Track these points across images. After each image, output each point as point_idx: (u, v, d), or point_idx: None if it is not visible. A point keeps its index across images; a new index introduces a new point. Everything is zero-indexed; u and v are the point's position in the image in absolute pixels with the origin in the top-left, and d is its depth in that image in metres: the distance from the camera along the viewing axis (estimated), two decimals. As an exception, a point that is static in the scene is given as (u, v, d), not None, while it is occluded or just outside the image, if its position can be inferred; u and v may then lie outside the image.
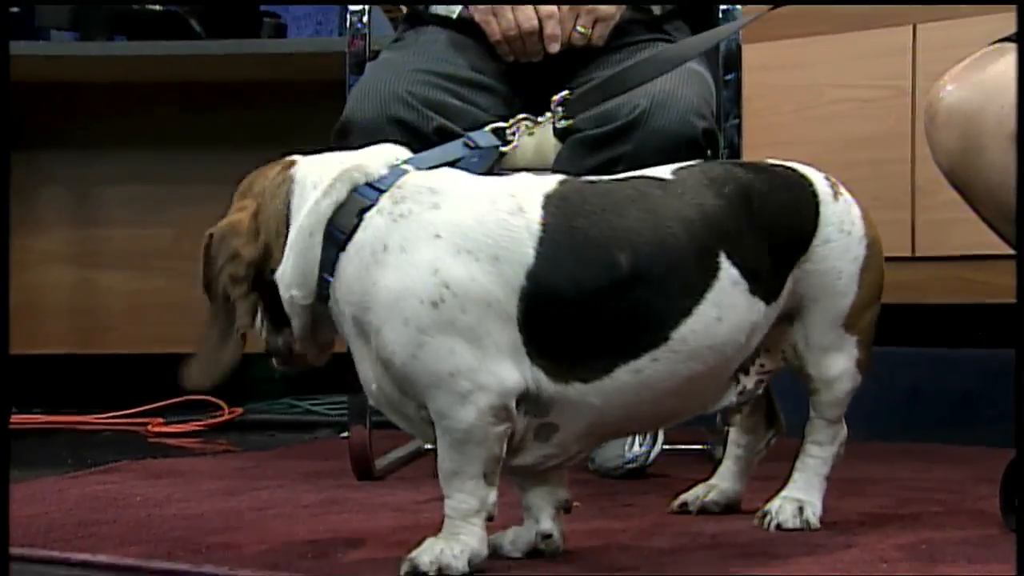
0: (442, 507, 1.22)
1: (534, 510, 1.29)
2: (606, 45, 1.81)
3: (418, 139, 1.67)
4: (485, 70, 1.81)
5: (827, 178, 1.39)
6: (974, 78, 1.59)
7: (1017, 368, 1.28)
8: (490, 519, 1.21)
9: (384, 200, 1.21)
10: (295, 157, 1.31)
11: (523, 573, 1.22)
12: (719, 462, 1.56)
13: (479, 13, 1.78)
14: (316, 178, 1.24)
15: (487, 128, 1.38)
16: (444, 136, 1.69)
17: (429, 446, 2.14)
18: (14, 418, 2.58)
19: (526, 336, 1.17)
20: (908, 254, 2.67)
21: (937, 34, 2.52)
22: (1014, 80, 1.54)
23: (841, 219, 1.35)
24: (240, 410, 2.73)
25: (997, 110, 1.55)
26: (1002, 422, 2.42)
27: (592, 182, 1.27)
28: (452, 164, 1.30)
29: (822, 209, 1.35)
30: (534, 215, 1.19)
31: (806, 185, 1.36)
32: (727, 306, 1.23)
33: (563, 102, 1.45)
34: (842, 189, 1.39)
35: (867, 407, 2.69)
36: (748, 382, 1.36)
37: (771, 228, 1.29)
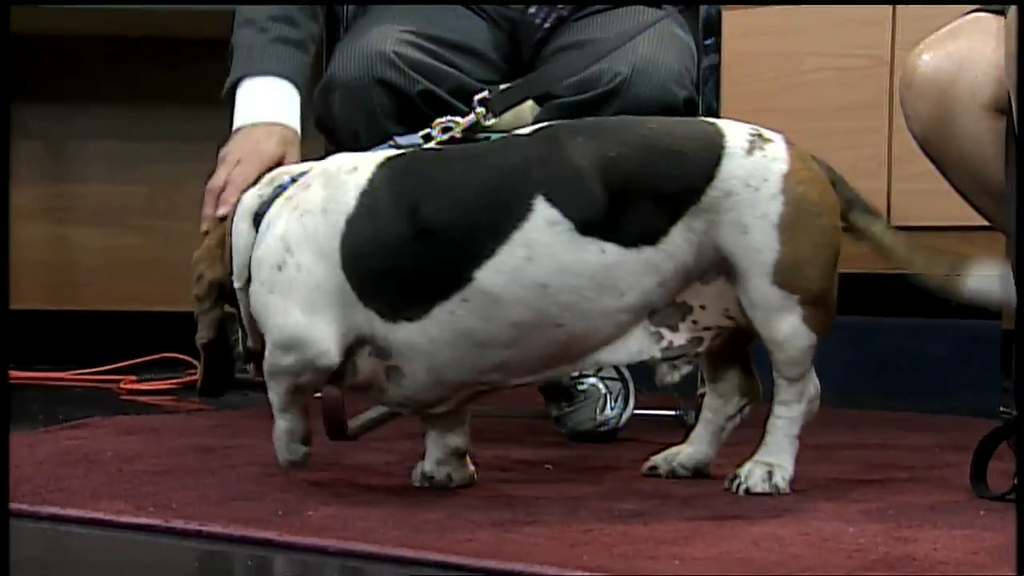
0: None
1: (426, 451, 1.46)
2: (587, 7, 1.80)
3: (402, 101, 1.66)
4: (469, 33, 1.79)
5: (754, 135, 1.38)
6: (949, 47, 1.60)
7: (1018, 359, 1.29)
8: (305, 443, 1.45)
9: (288, 189, 1.40)
10: None
11: (490, 532, 1.22)
12: (691, 427, 1.57)
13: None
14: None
15: (420, 134, 1.51)
16: (428, 100, 1.68)
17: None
18: (-15, 373, 2.56)
19: (349, 278, 1.33)
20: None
21: (916, 5, 2.52)
22: (988, 49, 1.55)
23: (749, 173, 1.35)
24: (213, 369, 2.72)
25: (971, 79, 1.56)
26: (974, 391, 2.45)
27: (446, 148, 1.44)
28: None
29: (725, 162, 1.35)
30: (364, 174, 1.36)
31: (711, 139, 1.37)
32: (540, 245, 1.30)
33: (483, 101, 1.53)
34: (770, 147, 1.37)
35: (840, 375, 2.72)
36: (677, 338, 1.39)
37: (641, 176, 1.33)
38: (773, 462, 1.42)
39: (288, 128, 1.62)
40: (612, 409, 1.84)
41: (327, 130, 1.76)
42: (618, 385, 1.86)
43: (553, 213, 1.30)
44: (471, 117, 1.52)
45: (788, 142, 1.40)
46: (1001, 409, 1.33)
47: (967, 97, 1.58)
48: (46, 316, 3.07)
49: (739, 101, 2.51)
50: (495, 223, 1.30)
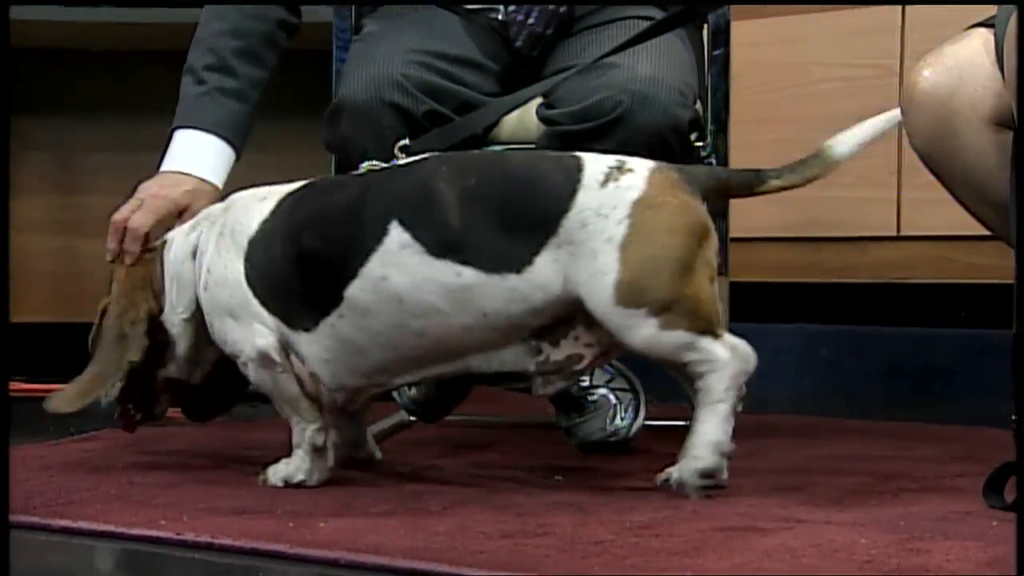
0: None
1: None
2: (592, 21, 1.80)
3: (410, 121, 1.66)
4: (472, 47, 1.79)
5: (614, 167, 1.45)
6: (948, 62, 1.60)
7: (1016, 359, 1.29)
8: (317, 449, 1.55)
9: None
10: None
11: (501, 544, 1.22)
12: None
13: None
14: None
15: (364, 165, 1.58)
16: (433, 119, 1.68)
17: (413, 418, 2.15)
18: (-5, 385, 2.57)
19: (252, 292, 1.52)
20: (893, 233, 2.69)
21: (925, 13, 2.53)
22: (988, 63, 1.55)
23: (601, 204, 1.43)
24: (223, 380, 2.72)
25: (971, 93, 1.56)
26: (981, 400, 2.44)
27: (340, 178, 1.60)
28: None
29: (580, 194, 1.44)
30: (271, 203, 1.54)
31: (569, 172, 1.45)
32: (394, 266, 1.44)
33: (403, 148, 1.62)
34: (626, 178, 1.44)
35: (848, 385, 2.72)
36: (555, 353, 1.48)
37: (498, 206, 1.44)
38: (694, 443, 1.44)
39: (201, 180, 1.75)
40: (623, 420, 1.84)
41: (336, 150, 1.76)
42: (629, 396, 1.86)
43: (405, 237, 1.44)
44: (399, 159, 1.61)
45: (657, 171, 1.46)
46: (1013, 418, 1.32)
47: (967, 111, 1.58)
48: (55, 328, 3.07)
49: (748, 111, 2.51)
50: (359, 246, 1.46)
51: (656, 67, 1.65)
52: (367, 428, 1.75)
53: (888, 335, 2.70)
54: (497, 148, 1.80)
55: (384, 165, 1.57)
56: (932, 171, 1.66)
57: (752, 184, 1.50)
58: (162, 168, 1.78)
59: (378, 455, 1.74)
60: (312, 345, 1.52)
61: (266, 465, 1.57)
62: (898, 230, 2.68)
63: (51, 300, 3.09)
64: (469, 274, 1.43)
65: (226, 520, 1.34)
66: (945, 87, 1.58)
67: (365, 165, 1.58)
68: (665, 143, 1.61)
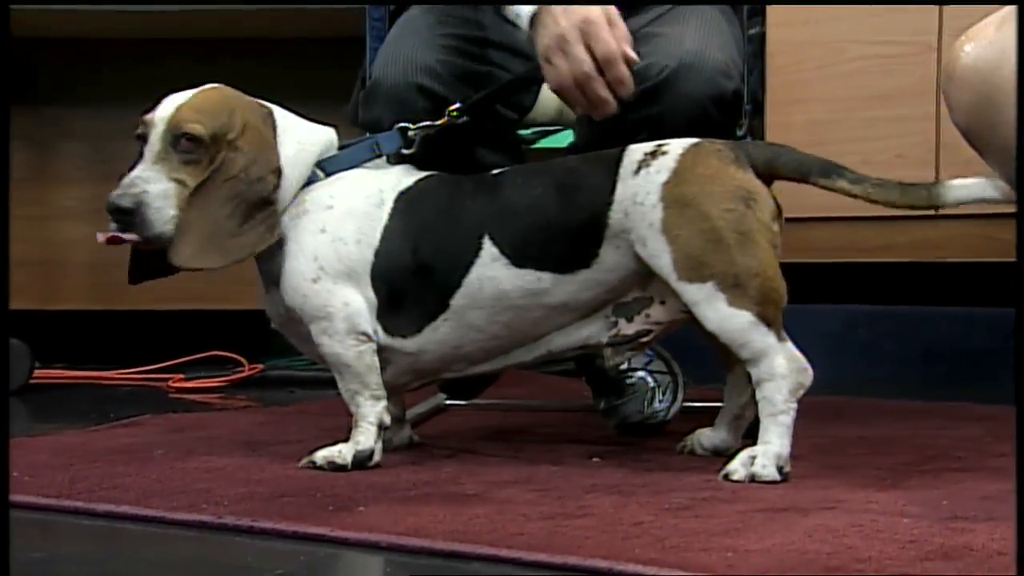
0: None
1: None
2: (644, 9, 1.78)
3: (443, 107, 1.66)
4: (510, 29, 1.78)
5: (649, 152, 1.51)
6: (992, 36, 1.58)
7: (1017, 357, 1.27)
8: (384, 427, 1.58)
9: (291, 208, 1.59)
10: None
11: (540, 526, 1.22)
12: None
13: (543, 50, 1.57)
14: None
15: (395, 127, 1.64)
16: (468, 106, 1.68)
17: (449, 402, 2.16)
18: (37, 372, 2.60)
19: (377, 296, 1.57)
20: (932, 212, 2.66)
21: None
22: None
23: (635, 192, 1.50)
24: (260, 366, 2.74)
25: (1013, 67, 1.54)
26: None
27: (436, 188, 1.60)
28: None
29: (618, 187, 1.51)
30: (387, 209, 1.58)
31: (610, 167, 1.53)
32: (488, 277, 1.54)
33: (457, 111, 1.65)
34: (657, 161, 1.50)
35: (887, 366, 2.70)
36: (627, 328, 1.56)
37: (556, 214, 1.53)
38: (756, 450, 1.46)
39: None
40: (660, 402, 1.84)
41: (373, 131, 1.76)
42: (667, 378, 1.85)
43: (494, 251, 1.55)
44: (443, 120, 1.65)
45: (691, 148, 1.51)
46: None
47: (1011, 85, 1.55)
48: (94, 316, 3.10)
49: (783, 91, 2.49)
50: (461, 258, 1.55)
51: (702, 39, 1.65)
52: (406, 411, 1.78)
53: (927, 315, 2.68)
54: (537, 131, 1.80)
55: (415, 127, 1.63)
56: (973, 146, 1.64)
57: (810, 173, 1.52)
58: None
59: (416, 439, 1.76)
60: (407, 346, 1.59)
61: (313, 450, 1.58)
62: (937, 209, 2.66)
63: (89, 288, 3.12)
64: (547, 277, 1.54)
65: (266, 504, 1.35)
66: (987, 61, 1.56)
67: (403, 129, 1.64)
68: (706, 113, 1.60)
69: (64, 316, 3.08)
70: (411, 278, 1.56)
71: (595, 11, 1.53)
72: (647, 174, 1.50)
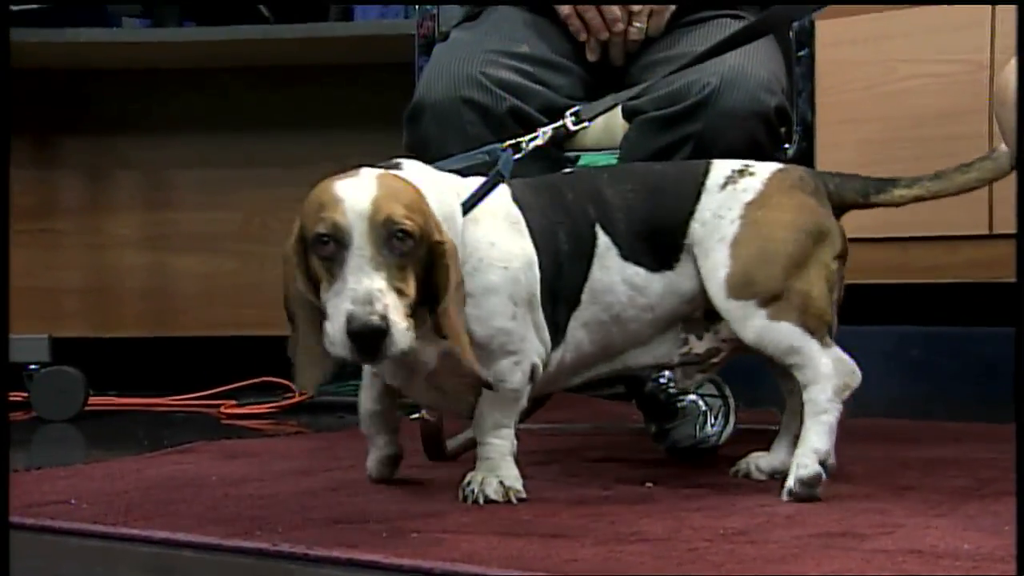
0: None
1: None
2: (674, 21, 1.79)
3: (490, 120, 1.66)
4: (555, 49, 1.80)
5: (737, 170, 1.53)
6: None
7: (1017, 359, 1.25)
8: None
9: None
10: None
11: (595, 552, 1.22)
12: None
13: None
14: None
15: (507, 145, 1.58)
16: (517, 117, 1.68)
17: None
18: (91, 400, 2.63)
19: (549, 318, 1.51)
20: (986, 232, 2.63)
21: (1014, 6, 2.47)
22: None
23: (719, 205, 1.52)
24: (310, 392, 2.75)
25: None
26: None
27: (524, 183, 1.55)
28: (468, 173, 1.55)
29: (703, 198, 1.53)
30: (522, 225, 1.50)
31: (696, 177, 1.55)
32: (603, 267, 1.53)
33: (575, 114, 1.63)
34: (745, 181, 1.52)
35: (944, 386, 2.67)
36: (698, 346, 1.58)
37: (644, 214, 1.54)
38: (797, 452, 1.47)
39: None
40: (713, 426, 1.83)
41: (419, 150, 1.77)
42: (718, 402, 1.84)
43: (606, 239, 1.53)
44: (560, 123, 1.62)
45: (779, 173, 1.53)
46: None
47: None
48: (147, 343, 3.13)
49: (833, 111, 2.48)
50: (584, 252, 1.53)
51: (744, 57, 1.65)
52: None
53: (980, 335, 2.64)
54: (582, 155, 1.80)
55: (529, 139, 1.58)
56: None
57: (869, 193, 1.55)
58: None
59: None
60: (555, 358, 1.54)
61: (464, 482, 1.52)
62: (990, 228, 2.62)
63: (142, 315, 3.15)
64: (642, 273, 1.54)
65: (320, 531, 1.35)
66: None
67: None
68: (750, 129, 1.61)
69: (117, 343, 3.12)
70: (555, 272, 1.51)
71: None
72: (733, 191, 1.52)
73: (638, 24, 1.76)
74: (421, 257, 1.33)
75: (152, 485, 1.66)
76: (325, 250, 1.30)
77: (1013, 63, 1.58)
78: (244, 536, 1.32)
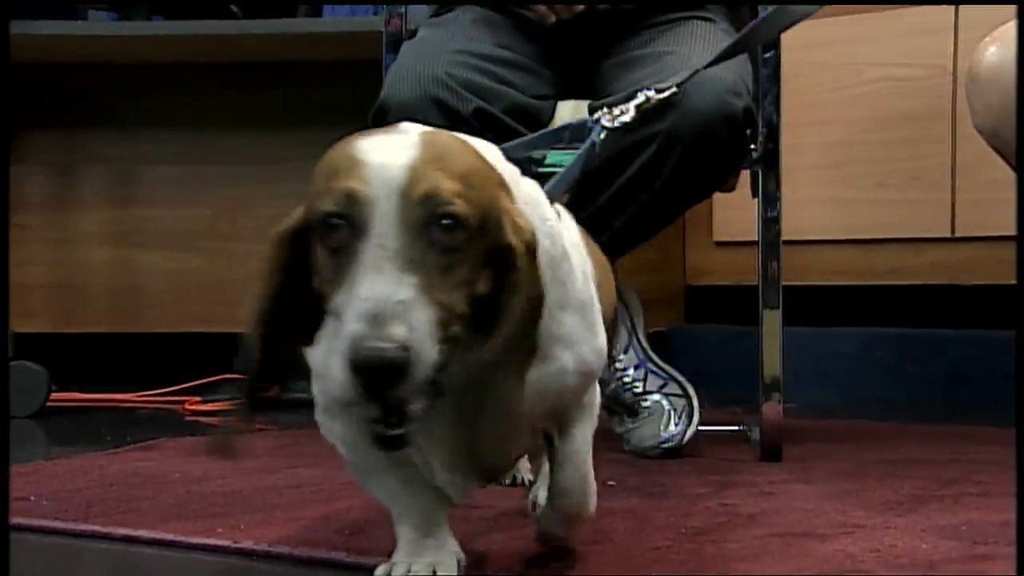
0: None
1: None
2: (642, 21, 1.80)
3: (456, 121, 1.66)
4: (522, 50, 1.80)
5: None
6: (1010, 35, 1.58)
7: (1018, 361, 1.26)
8: None
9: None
10: None
11: (558, 550, 1.22)
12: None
13: None
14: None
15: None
16: (482, 118, 1.68)
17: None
18: (54, 395, 2.61)
19: None
20: (948, 234, 2.65)
21: (979, 12, 2.50)
22: None
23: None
24: (276, 388, 2.74)
25: None
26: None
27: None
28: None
29: None
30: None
31: None
32: None
33: (604, 106, 1.48)
34: None
35: (903, 388, 2.69)
36: None
37: None
38: None
39: None
40: (676, 426, 1.83)
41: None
42: (682, 402, 1.85)
43: None
44: (642, 98, 1.45)
45: None
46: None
47: None
48: (111, 338, 3.11)
49: (799, 113, 2.49)
50: None
51: (710, 57, 1.66)
52: None
53: (947, 337, 2.66)
54: (548, 152, 1.80)
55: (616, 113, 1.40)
56: (997, 150, 1.64)
57: None
58: None
59: None
60: None
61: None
62: (952, 231, 2.65)
63: (107, 311, 3.13)
64: None
65: (282, 529, 1.35)
66: (1014, 61, 1.56)
67: None
68: (715, 130, 1.62)
69: (81, 339, 3.10)
70: None
71: None
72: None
73: None
74: (479, 258, 0.91)
75: (114, 482, 1.65)
76: (334, 238, 0.88)
77: (992, 48, 1.59)
78: (206, 533, 1.32)
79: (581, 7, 1.76)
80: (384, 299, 0.85)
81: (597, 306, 1.09)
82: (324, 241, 0.90)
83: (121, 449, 1.99)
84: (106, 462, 1.84)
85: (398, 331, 0.85)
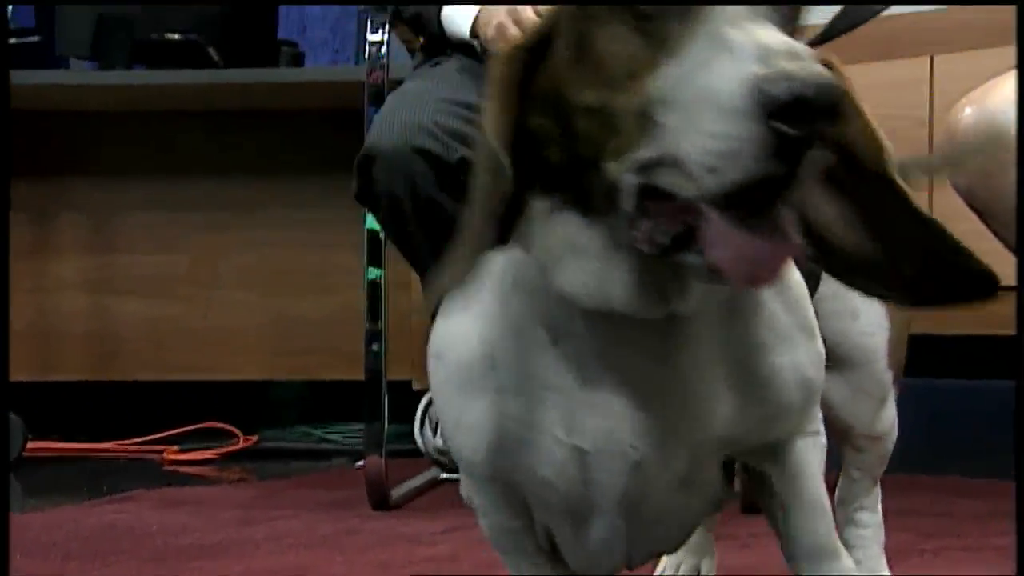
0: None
1: None
2: None
3: (441, 169, 1.67)
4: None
5: None
6: (996, 97, 1.59)
7: (1018, 371, 1.26)
8: None
9: None
10: None
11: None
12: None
13: (489, 43, 1.79)
14: None
15: None
16: (467, 167, 1.68)
17: (445, 475, 2.14)
18: (31, 445, 2.58)
19: None
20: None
21: (954, 65, 2.53)
22: None
23: None
24: (255, 438, 2.73)
25: (1014, 126, 1.55)
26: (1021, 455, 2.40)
27: None
28: None
29: None
30: None
31: None
32: None
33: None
34: None
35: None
36: None
37: None
38: None
39: None
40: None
41: (368, 200, 1.77)
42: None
43: None
44: None
45: None
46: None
47: (1012, 145, 1.56)
48: (91, 387, 3.09)
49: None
50: None
51: None
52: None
53: (928, 387, 2.67)
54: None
55: None
56: (975, 209, 1.65)
57: None
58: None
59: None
60: None
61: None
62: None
63: (86, 359, 3.11)
64: None
65: (261, 583, 1.33)
66: (993, 122, 1.57)
67: None
68: None
69: (59, 387, 3.07)
70: None
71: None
72: None
73: None
74: None
75: (90, 535, 1.63)
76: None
77: (968, 109, 1.60)
78: (183, 589, 1.31)
79: None
80: (783, 41, 0.64)
81: (811, 308, 0.87)
82: (631, 15, 0.68)
83: (98, 501, 1.97)
84: (82, 515, 1.82)
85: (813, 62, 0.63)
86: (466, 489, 0.93)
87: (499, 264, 0.79)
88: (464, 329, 0.80)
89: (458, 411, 0.81)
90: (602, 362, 0.76)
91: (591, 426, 0.77)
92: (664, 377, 0.77)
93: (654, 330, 0.75)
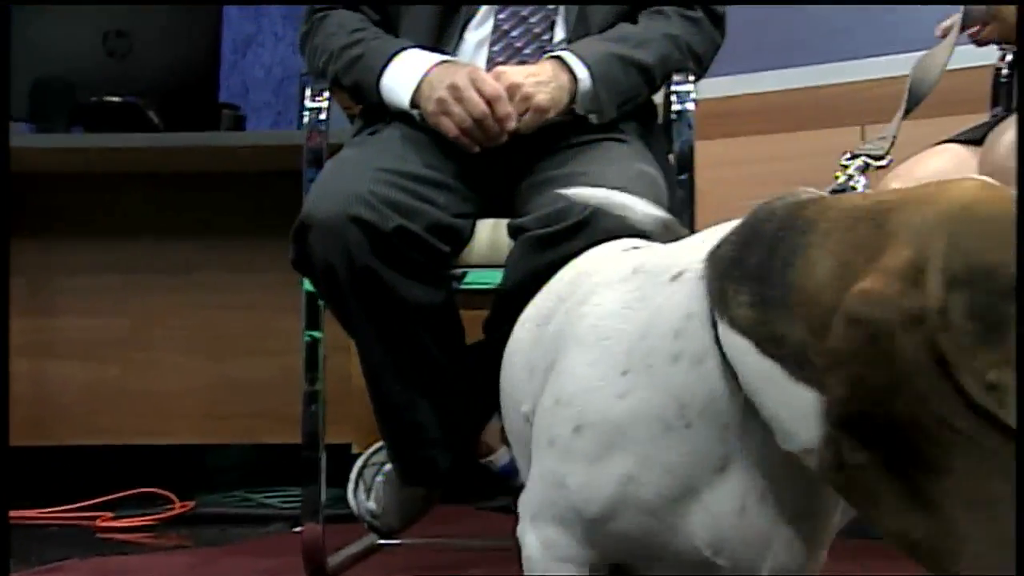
0: None
1: None
2: (558, 142, 1.84)
3: (377, 237, 1.67)
4: (443, 168, 1.82)
5: None
6: (919, 174, 1.64)
7: (1018, 370, 1.28)
8: None
9: None
10: None
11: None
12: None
13: (429, 116, 1.80)
14: None
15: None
16: (402, 236, 1.69)
17: (382, 542, 2.13)
18: (-40, 513, 2.53)
19: None
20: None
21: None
22: (962, 173, 1.59)
23: None
24: (191, 503, 2.70)
25: None
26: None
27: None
28: None
29: None
30: None
31: None
32: None
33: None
34: None
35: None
36: None
37: None
38: None
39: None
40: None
41: (305, 267, 1.77)
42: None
43: None
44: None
45: None
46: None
47: None
48: (24, 452, 3.03)
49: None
50: None
51: (625, 180, 1.68)
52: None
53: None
54: (469, 271, 1.82)
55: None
56: None
57: None
58: (427, 66, 1.83)
59: None
60: None
61: None
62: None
63: (21, 424, 3.06)
64: None
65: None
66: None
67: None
68: None
69: (-8, 452, 3.02)
70: None
71: (466, 67, 1.79)
72: None
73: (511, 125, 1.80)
74: None
75: (18, 607, 1.60)
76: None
77: (893, 184, 1.64)
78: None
79: (504, 138, 1.80)
80: None
81: None
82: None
83: (27, 572, 1.93)
84: (11, 585, 1.78)
85: None
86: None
87: None
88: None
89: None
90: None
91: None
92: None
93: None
